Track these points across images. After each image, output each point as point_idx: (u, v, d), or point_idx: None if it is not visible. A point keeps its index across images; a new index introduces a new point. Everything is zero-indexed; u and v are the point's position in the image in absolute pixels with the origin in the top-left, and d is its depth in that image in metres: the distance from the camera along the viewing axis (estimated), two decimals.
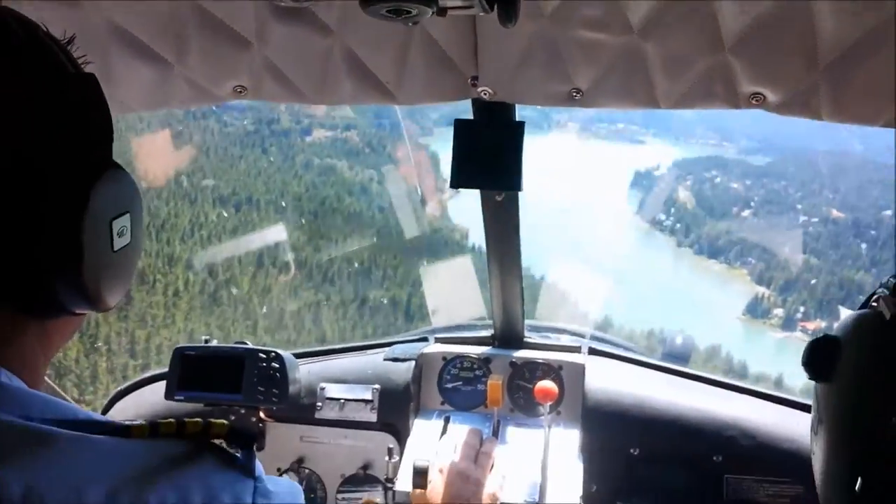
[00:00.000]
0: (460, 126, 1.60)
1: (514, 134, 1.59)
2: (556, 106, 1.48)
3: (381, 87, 1.48)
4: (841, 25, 1.11)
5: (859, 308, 0.70)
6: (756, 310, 29.52)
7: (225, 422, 0.76)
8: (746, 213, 34.12)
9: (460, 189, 1.70)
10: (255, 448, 0.77)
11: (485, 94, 1.46)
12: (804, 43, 1.16)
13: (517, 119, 1.64)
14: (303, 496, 0.82)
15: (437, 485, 1.81)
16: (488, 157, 1.60)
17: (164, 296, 23.86)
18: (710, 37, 1.20)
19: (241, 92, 1.53)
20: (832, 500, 0.58)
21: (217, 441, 0.77)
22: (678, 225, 34.97)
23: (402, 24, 1.32)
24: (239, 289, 25.69)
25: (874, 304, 0.63)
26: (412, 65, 1.42)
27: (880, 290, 0.63)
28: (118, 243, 0.81)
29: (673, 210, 35.49)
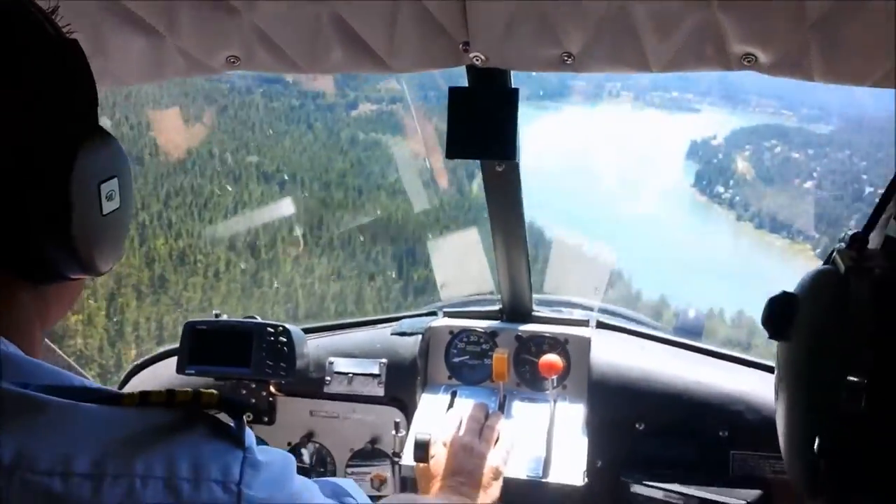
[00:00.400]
0: (455, 94, 1.58)
1: (508, 102, 1.57)
2: (549, 70, 1.45)
3: (373, 54, 1.47)
4: None
5: (822, 264, 0.68)
6: None
7: (215, 391, 0.77)
8: (809, 184, 32.87)
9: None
10: (245, 418, 0.77)
11: (477, 59, 1.43)
12: None
13: (512, 86, 1.62)
14: (295, 467, 0.83)
15: (440, 458, 1.82)
16: (483, 127, 1.59)
17: (203, 277, 24.16)
18: None
19: (234, 62, 1.52)
20: (794, 461, 0.57)
21: (210, 411, 0.77)
22: (737, 198, 33.53)
23: None
24: (280, 270, 25.69)
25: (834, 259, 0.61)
26: (402, 31, 1.40)
27: (839, 244, 0.61)
28: (107, 207, 0.82)
29: (731, 182, 34.29)
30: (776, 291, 0.64)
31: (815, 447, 0.53)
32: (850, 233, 0.57)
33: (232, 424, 0.77)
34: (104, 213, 0.82)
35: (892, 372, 0.50)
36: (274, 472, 0.78)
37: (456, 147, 1.60)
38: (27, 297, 0.82)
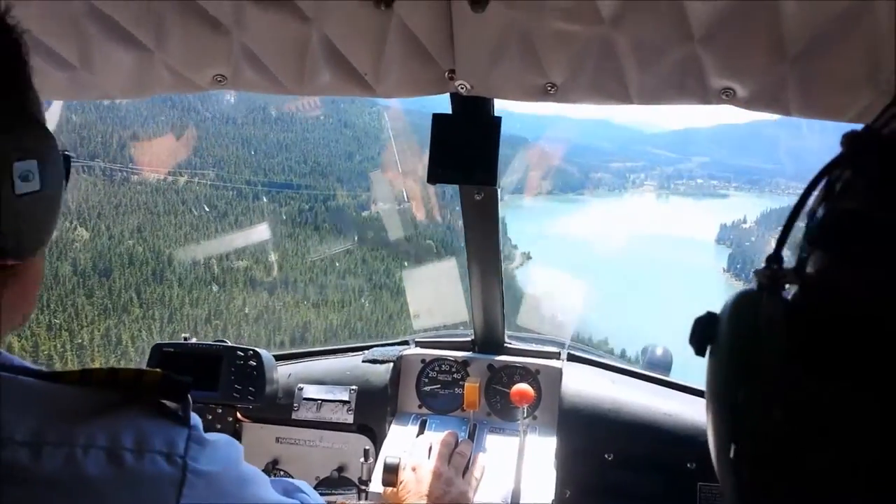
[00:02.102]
0: (438, 121, 1.61)
1: (491, 129, 1.59)
2: (532, 100, 1.47)
3: (360, 78, 1.48)
4: (806, 13, 1.12)
5: None
6: None
7: (159, 370, 0.76)
8: None
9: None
10: (189, 398, 0.76)
11: (462, 87, 1.46)
12: (771, 34, 1.17)
13: (495, 114, 1.65)
14: (242, 454, 0.82)
15: (408, 483, 1.80)
16: (465, 153, 1.61)
17: None
18: (679, 26, 1.21)
19: (221, 81, 1.53)
20: (720, 471, 0.59)
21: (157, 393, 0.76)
22: None
23: (378, 12, 1.35)
24: None
25: None
26: (390, 56, 1.42)
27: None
28: (22, 187, 0.80)
29: None
30: None
31: (731, 454, 0.55)
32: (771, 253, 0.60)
33: (177, 406, 0.76)
34: (17, 192, 0.80)
35: (797, 383, 0.52)
36: (220, 450, 0.78)
37: (438, 172, 1.61)
38: None
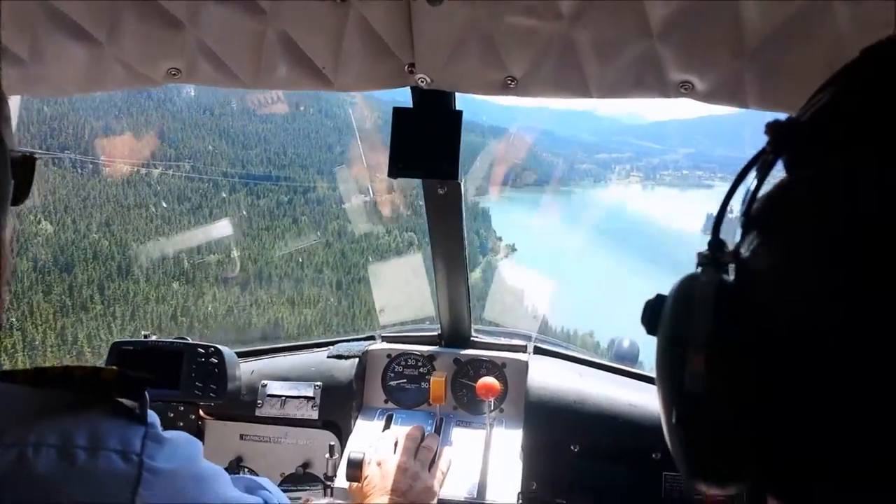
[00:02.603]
0: (399, 114, 1.59)
1: (452, 123, 1.58)
2: (492, 94, 1.47)
3: (318, 72, 1.46)
4: (764, 10, 1.13)
5: None
6: None
7: (115, 368, 0.74)
8: None
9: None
10: (146, 395, 0.74)
11: (422, 81, 1.45)
12: (729, 29, 1.18)
13: (456, 108, 1.64)
14: (201, 451, 0.81)
15: (374, 478, 1.79)
16: (426, 147, 1.59)
17: None
18: (638, 23, 1.21)
19: (175, 75, 1.50)
20: (670, 443, 0.62)
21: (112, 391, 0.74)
22: None
23: (336, 6, 1.33)
24: None
25: None
26: (348, 50, 1.40)
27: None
28: None
29: None
30: None
31: (673, 419, 0.59)
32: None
33: (134, 404, 0.75)
34: None
35: (723, 356, 0.56)
36: (178, 448, 0.76)
37: (399, 166, 1.59)
38: None
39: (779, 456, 0.55)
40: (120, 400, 0.74)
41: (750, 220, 0.60)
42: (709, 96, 1.32)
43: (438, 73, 1.43)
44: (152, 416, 0.75)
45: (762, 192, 0.60)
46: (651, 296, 0.68)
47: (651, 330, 0.66)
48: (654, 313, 0.65)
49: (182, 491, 0.74)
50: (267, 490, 1.01)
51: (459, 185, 1.89)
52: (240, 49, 1.43)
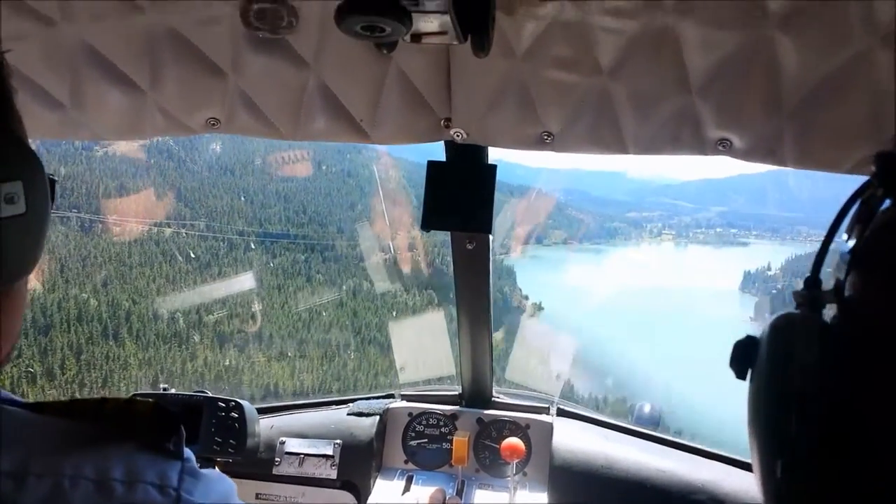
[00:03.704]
0: (433, 168, 1.60)
1: (486, 176, 1.58)
2: (528, 149, 1.46)
3: (355, 124, 1.48)
4: (804, 65, 1.12)
5: None
6: None
7: (150, 400, 0.72)
8: None
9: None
10: (182, 430, 0.72)
11: (458, 135, 1.46)
12: (768, 87, 1.17)
13: (489, 162, 1.64)
14: (235, 488, 0.78)
15: None
16: (460, 200, 1.59)
17: None
18: (677, 78, 1.21)
19: (214, 125, 1.51)
20: (766, 492, 0.58)
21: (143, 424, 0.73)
22: None
23: (377, 59, 1.36)
24: None
25: None
26: (386, 103, 1.42)
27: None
28: (6, 210, 0.77)
29: None
30: None
31: (778, 473, 0.55)
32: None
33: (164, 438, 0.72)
34: (2, 215, 0.76)
35: (836, 402, 0.53)
36: (215, 484, 0.74)
37: (432, 219, 1.59)
38: None
39: None
40: (154, 435, 0.72)
41: (857, 257, 0.56)
42: (747, 154, 1.31)
43: (474, 128, 1.44)
44: (187, 452, 0.73)
45: (865, 228, 0.56)
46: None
47: (741, 374, 0.63)
48: (745, 356, 0.62)
49: None
50: None
51: (489, 240, 1.89)
52: (280, 100, 1.44)
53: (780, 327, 0.60)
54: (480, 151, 1.62)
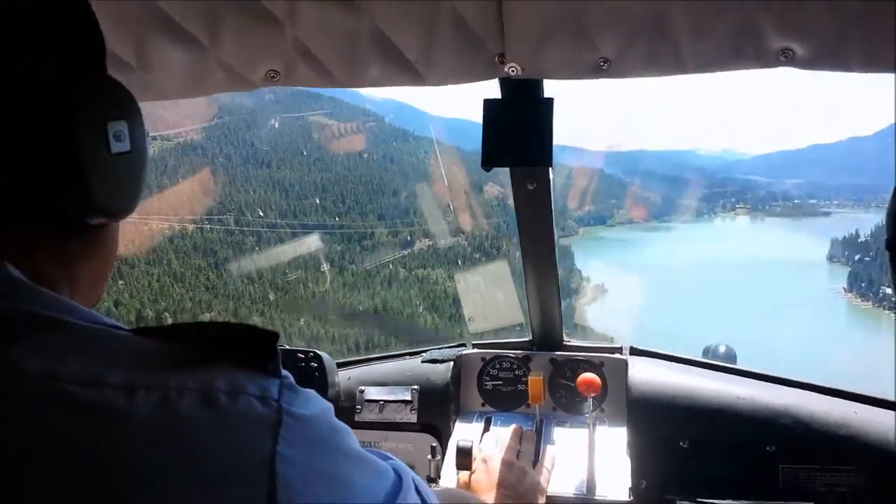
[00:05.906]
0: (489, 106, 1.60)
1: (543, 110, 1.58)
2: (584, 78, 1.44)
3: (410, 67, 1.48)
4: None
5: None
6: None
7: (245, 323, 0.76)
8: None
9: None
10: (278, 350, 0.75)
11: (513, 70, 1.44)
12: None
13: (546, 95, 1.63)
14: (332, 407, 0.81)
15: (480, 474, 1.78)
16: (518, 136, 1.59)
17: None
18: None
19: (273, 77, 1.54)
20: None
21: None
22: None
23: None
24: None
25: None
26: (439, 44, 1.42)
27: None
28: (116, 147, 0.82)
29: None
30: None
31: None
32: None
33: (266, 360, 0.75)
34: (112, 152, 0.82)
35: None
36: (313, 399, 0.77)
37: (492, 157, 1.59)
38: (47, 248, 0.81)
39: None
40: (254, 355, 0.75)
41: None
42: (811, 62, 1.26)
43: (529, 62, 1.42)
44: (285, 371, 0.76)
45: None
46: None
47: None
48: None
49: (321, 437, 0.74)
50: (394, 460, 1.01)
51: (549, 178, 1.88)
52: (335, 47, 1.46)
53: None
54: (536, 86, 1.61)
